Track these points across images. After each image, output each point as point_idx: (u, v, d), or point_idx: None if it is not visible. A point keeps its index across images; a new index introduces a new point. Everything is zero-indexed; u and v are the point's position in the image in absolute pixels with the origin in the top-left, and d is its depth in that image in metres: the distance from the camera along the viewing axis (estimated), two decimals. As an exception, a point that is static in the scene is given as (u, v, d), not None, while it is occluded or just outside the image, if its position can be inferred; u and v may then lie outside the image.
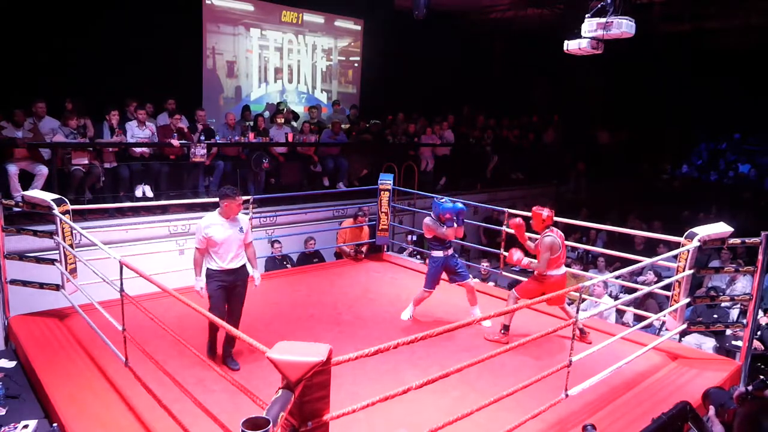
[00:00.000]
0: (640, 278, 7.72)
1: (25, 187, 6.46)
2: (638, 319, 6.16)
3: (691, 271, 4.73)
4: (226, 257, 4.34)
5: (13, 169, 6.60)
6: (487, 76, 13.78)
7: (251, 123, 9.16)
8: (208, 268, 4.36)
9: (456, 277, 5.50)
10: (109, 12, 8.51)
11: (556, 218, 5.24)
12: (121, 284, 3.82)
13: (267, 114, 9.90)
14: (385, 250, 7.85)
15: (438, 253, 5.42)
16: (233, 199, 4.32)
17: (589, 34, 6.32)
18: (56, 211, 4.95)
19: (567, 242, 5.55)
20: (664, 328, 5.69)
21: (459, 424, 3.10)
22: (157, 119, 8.32)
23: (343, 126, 10.03)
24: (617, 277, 6.01)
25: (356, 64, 12.53)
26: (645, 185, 14.11)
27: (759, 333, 6.02)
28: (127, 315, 3.82)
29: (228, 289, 4.38)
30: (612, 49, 6.85)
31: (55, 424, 3.61)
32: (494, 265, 7.17)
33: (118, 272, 3.78)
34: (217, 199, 4.48)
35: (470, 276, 5.61)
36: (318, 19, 11.69)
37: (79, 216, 6.23)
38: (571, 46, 6.62)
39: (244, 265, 4.49)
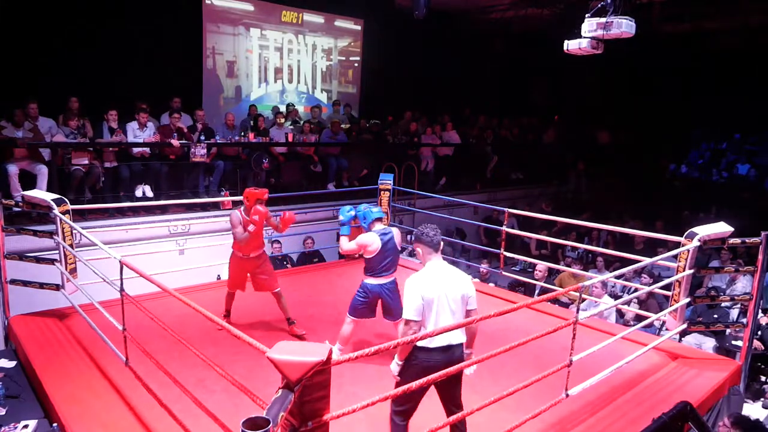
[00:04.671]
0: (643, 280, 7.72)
1: (25, 187, 6.46)
2: (638, 319, 6.16)
3: (691, 271, 4.73)
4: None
5: (13, 169, 6.61)
6: (487, 76, 13.78)
7: (252, 122, 9.18)
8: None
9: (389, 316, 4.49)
10: (109, 12, 8.50)
11: (555, 218, 5.93)
12: (122, 284, 3.81)
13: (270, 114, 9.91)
14: (385, 250, 7.83)
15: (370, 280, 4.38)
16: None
17: (589, 34, 6.33)
18: (56, 211, 4.95)
19: (566, 242, 6.69)
20: (664, 328, 5.69)
21: (459, 424, 3.09)
22: (158, 119, 8.32)
23: (343, 126, 10.04)
24: (617, 277, 6.01)
25: (356, 64, 12.52)
26: (645, 185, 14.10)
27: (759, 333, 6.03)
28: (128, 315, 3.82)
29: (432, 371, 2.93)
30: (612, 49, 6.85)
31: (55, 424, 3.61)
32: (494, 265, 7.16)
33: (118, 272, 3.77)
34: (210, 200, 4.35)
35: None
36: (318, 19, 11.68)
37: (79, 216, 6.24)
38: (571, 46, 6.63)
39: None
